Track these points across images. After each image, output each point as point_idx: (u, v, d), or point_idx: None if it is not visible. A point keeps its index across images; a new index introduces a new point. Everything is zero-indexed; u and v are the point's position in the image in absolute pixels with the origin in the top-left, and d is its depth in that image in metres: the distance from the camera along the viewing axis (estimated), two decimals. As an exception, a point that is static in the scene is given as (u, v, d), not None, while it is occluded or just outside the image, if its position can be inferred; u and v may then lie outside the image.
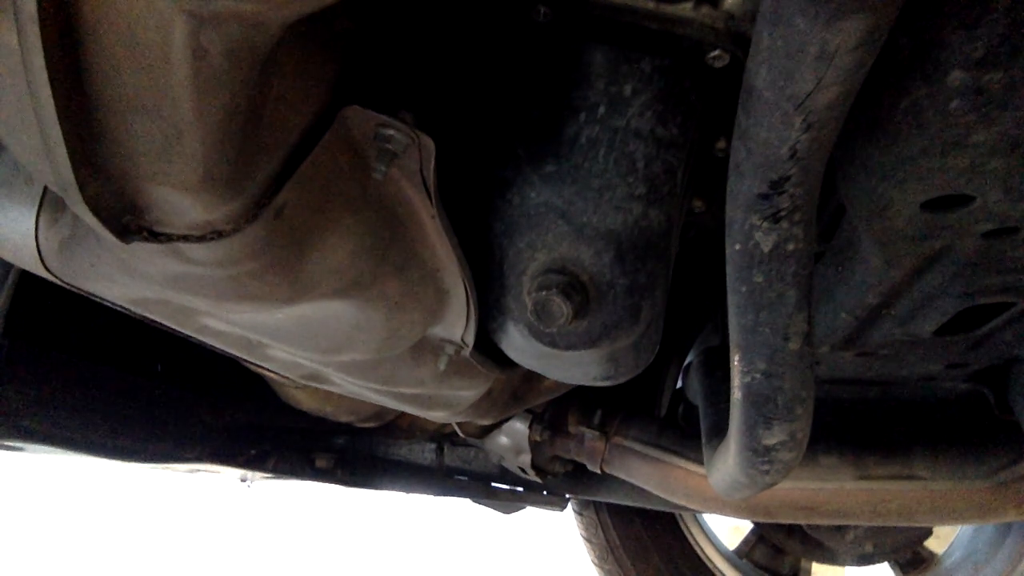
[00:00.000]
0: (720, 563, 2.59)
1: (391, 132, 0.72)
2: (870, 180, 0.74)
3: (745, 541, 2.67)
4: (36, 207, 0.84)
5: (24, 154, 0.62)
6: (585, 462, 1.73)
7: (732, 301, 0.79)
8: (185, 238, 0.68)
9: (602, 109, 0.84)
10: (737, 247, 0.73)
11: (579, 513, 2.59)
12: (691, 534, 2.60)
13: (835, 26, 0.49)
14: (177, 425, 1.70)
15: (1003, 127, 0.63)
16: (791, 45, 0.52)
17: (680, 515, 2.60)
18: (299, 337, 0.95)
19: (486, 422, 1.56)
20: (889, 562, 2.51)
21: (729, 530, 2.92)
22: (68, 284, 0.90)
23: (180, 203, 0.64)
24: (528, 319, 0.89)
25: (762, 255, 0.71)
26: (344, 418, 1.77)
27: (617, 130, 0.84)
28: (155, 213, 0.66)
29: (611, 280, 0.85)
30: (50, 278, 0.90)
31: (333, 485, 2.07)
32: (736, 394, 0.90)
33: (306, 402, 1.67)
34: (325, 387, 1.23)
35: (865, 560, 2.35)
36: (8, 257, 0.88)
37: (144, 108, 0.57)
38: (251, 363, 1.23)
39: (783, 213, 0.67)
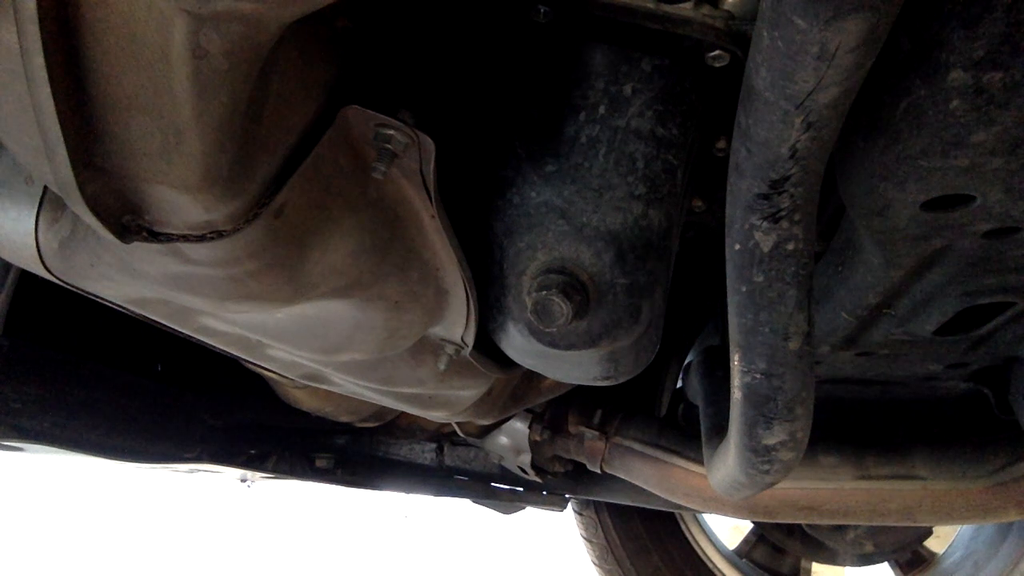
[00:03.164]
0: (720, 563, 2.59)
1: (391, 132, 0.72)
2: (870, 180, 0.74)
3: (745, 541, 2.67)
4: (36, 207, 0.84)
5: (24, 154, 0.62)
6: (585, 462, 1.73)
7: (732, 301, 0.79)
8: (185, 238, 0.68)
9: (602, 109, 0.84)
10: (737, 247, 0.73)
11: (579, 513, 2.59)
12: (691, 534, 2.60)
13: (835, 26, 0.49)
14: (177, 425, 1.70)
15: (1003, 127, 0.63)
16: (791, 45, 0.52)
17: (680, 515, 2.59)
18: (299, 337, 0.95)
19: (486, 422, 1.56)
20: (889, 562, 2.51)
21: (729, 529, 2.92)
22: (68, 284, 0.90)
23: (180, 203, 0.64)
24: (528, 319, 0.89)
25: (762, 255, 0.71)
26: (344, 418, 1.77)
27: (617, 130, 0.84)
28: (155, 213, 0.66)
29: (611, 280, 0.85)
30: (50, 278, 0.90)
31: (333, 485, 2.07)
32: (736, 394, 0.90)
33: (306, 402, 1.67)
34: (325, 387, 1.23)
35: (865, 560, 2.35)
36: (8, 257, 0.88)
37: (144, 108, 0.57)
38: (251, 363, 1.23)
39: (783, 213, 0.67)
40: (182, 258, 0.73)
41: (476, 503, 2.15)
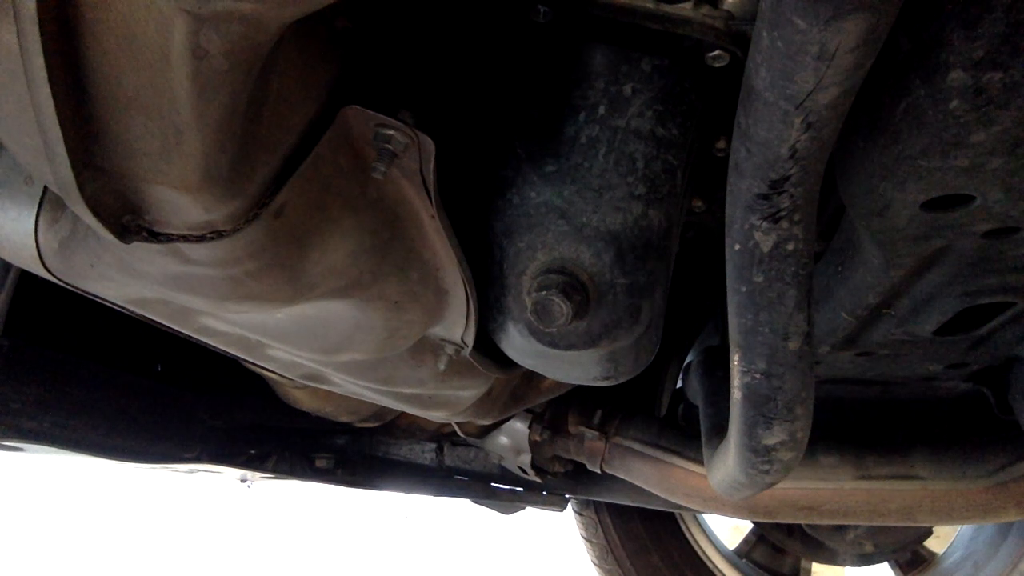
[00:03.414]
0: (720, 563, 2.60)
1: (391, 132, 0.72)
2: (870, 180, 0.74)
3: (745, 541, 2.67)
4: (36, 207, 0.84)
5: (24, 154, 0.62)
6: (585, 462, 1.73)
7: (732, 301, 0.79)
8: (185, 238, 0.68)
9: (602, 109, 0.84)
10: (737, 247, 0.73)
11: (579, 513, 2.59)
12: (691, 534, 2.60)
13: (834, 26, 0.49)
14: (177, 425, 1.70)
15: (1003, 127, 0.63)
16: (791, 45, 0.52)
17: (680, 515, 2.60)
18: (299, 337, 0.95)
19: (486, 422, 1.56)
20: (889, 562, 2.51)
21: (729, 530, 2.92)
22: (68, 284, 0.90)
23: (180, 203, 0.64)
24: (528, 319, 0.89)
25: (762, 255, 0.71)
26: (344, 418, 1.77)
27: (617, 130, 0.84)
28: (155, 213, 0.66)
29: (611, 280, 0.85)
30: (50, 278, 0.90)
31: (333, 485, 2.07)
32: (736, 394, 0.90)
33: (306, 402, 1.67)
34: (325, 387, 1.23)
35: (865, 560, 2.35)
36: (8, 257, 0.88)
37: (144, 108, 0.57)
38: (251, 363, 1.23)
39: (783, 213, 0.67)
40: (182, 258, 0.73)
41: (476, 503, 2.15)
